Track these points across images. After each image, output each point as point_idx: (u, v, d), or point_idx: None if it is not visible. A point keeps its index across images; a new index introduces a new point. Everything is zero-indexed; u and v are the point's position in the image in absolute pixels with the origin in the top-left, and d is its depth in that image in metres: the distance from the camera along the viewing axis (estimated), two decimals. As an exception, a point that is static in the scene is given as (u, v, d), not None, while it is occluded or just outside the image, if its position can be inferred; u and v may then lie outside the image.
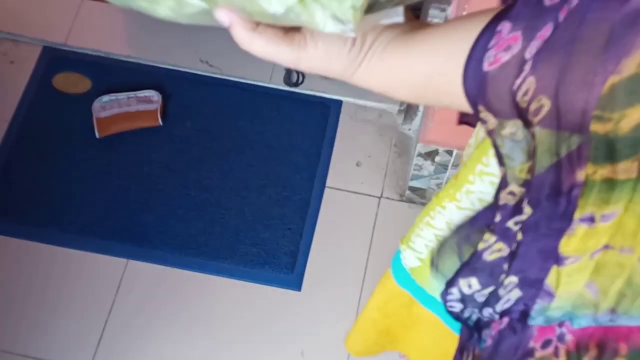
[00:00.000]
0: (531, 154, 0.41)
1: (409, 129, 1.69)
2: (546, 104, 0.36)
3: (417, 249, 0.81)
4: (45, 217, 1.58)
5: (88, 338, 1.49)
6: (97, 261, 1.55)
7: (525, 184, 0.43)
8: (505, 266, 0.46)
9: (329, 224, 1.59)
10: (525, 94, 0.37)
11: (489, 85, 0.40)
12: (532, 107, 0.37)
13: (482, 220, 0.53)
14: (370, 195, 1.63)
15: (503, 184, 0.45)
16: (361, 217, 1.60)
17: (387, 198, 1.63)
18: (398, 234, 1.57)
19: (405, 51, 0.45)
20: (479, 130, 0.84)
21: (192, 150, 1.66)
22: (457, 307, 0.52)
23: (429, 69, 0.44)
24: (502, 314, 0.48)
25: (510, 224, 0.45)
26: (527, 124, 0.39)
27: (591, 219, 0.38)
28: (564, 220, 0.39)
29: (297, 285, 1.53)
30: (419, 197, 1.60)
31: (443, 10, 1.19)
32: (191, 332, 1.50)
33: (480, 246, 0.48)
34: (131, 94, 1.67)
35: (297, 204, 1.60)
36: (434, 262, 0.71)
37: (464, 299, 0.51)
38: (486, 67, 0.39)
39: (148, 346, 1.48)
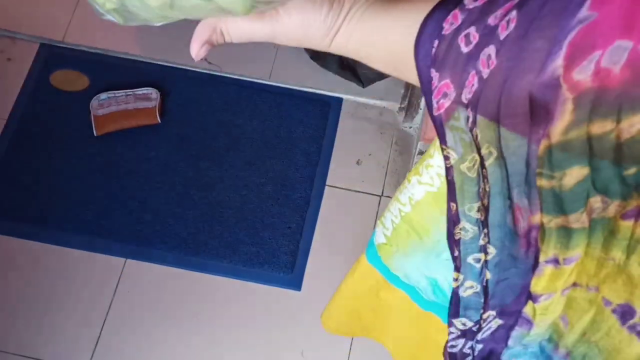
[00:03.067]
0: (481, 194, 0.41)
1: (410, 127, 1.67)
2: (492, 151, 0.37)
3: (385, 225, 0.79)
4: (42, 216, 1.57)
5: (86, 338, 1.47)
6: (95, 260, 1.54)
7: (479, 223, 0.43)
8: (482, 300, 0.46)
9: (329, 223, 1.58)
10: (476, 137, 0.37)
11: (445, 128, 0.39)
12: (483, 151, 0.37)
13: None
14: (370, 194, 1.62)
15: (456, 220, 0.44)
16: (362, 216, 1.59)
17: (388, 197, 1.61)
18: (399, 233, 1.56)
19: (383, 17, 0.43)
20: None
21: (191, 148, 1.64)
22: (459, 343, 0.52)
23: (403, 41, 0.42)
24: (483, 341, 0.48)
25: (470, 260, 0.45)
26: (482, 162, 0.39)
27: (556, 261, 0.38)
28: (529, 260, 0.39)
29: (297, 284, 1.52)
30: (420, 196, 1.59)
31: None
32: (190, 332, 1.48)
33: (454, 284, 0.47)
34: (129, 91, 1.66)
35: (296, 203, 1.59)
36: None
37: (465, 333, 0.50)
38: (435, 112, 0.39)
39: (146, 346, 1.47)
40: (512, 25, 0.34)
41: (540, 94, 0.32)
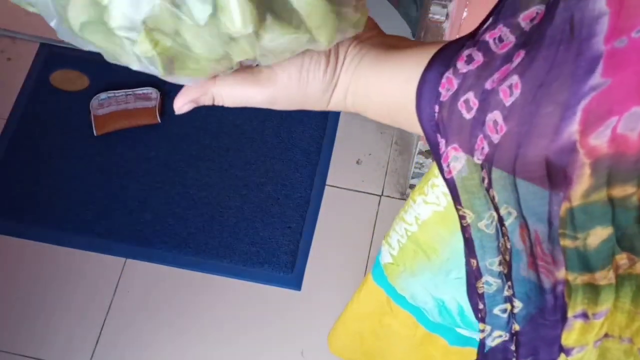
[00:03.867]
0: (502, 249, 0.40)
1: (410, 127, 1.67)
2: (512, 211, 0.36)
3: (392, 244, 0.79)
4: (42, 216, 1.57)
5: (86, 338, 1.48)
6: (95, 260, 1.54)
7: (502, 275, 0.42)
8: (512, 347, 0.45)
9: (329, 222, 1.58)
10: (493, 198, 0.37)
11: (459, 188, 0.39)
12: (501, 211, 0.37)
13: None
14: (370, 194, 1.62)
15: (477, 275, 0.43)
16: (362, 215, 1.59)
17: (388, 196, 1.61)
18: (399, 233, 1.56)
19: (378, 71, 0.42)
20: None
21: (191, 148, 1.64)
22: None
23: (399, 95, 0.41)
24: None
25: (496, 311, 0.44)
26: (501, 220, 0.38)
27: (585, 315, 0.37)
28: (557, 313, 0.39)
29: (297, 284, 1.52)
30: (420, 196, 1.59)
31: (444, 7, 1.17)
32: (190, 332, 1.48)
33: (480, 335, 0.47)
34: (129, 91, 1.66)
35: (296, 203, 1.59)
36: None
37: None
38: (447, 175, 0.39)
39: (146, 346, 1.47)
40: (516, 92, 0.33)
41: (557, 158, 0.31)
